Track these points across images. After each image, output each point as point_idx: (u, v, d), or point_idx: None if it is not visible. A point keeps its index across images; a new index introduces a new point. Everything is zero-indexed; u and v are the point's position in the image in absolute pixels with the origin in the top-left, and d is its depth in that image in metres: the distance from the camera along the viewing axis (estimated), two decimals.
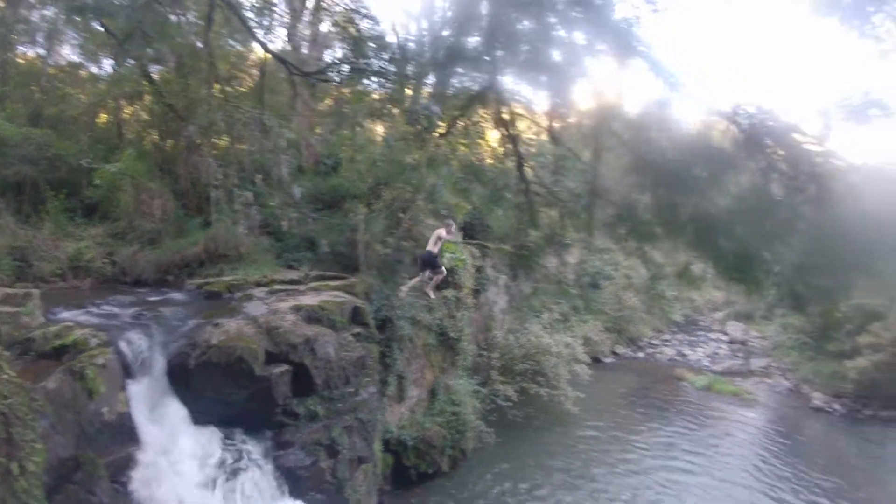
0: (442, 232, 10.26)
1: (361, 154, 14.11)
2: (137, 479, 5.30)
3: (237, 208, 10.63)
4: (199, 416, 6.32)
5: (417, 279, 11.19)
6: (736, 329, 30.86)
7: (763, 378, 25.18)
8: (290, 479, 6.98)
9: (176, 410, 6.14)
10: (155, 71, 12.29)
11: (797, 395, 22.92)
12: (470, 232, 16.54)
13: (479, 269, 16.87)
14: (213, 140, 11.79)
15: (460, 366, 15.86)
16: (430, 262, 10.25)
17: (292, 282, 10.03)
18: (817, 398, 21.60)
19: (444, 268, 11.06)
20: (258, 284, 9.37)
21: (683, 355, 28.78)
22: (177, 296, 8.65)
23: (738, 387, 23.62)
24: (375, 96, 13.22)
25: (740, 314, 31.25)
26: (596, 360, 24.24)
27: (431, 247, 10.13)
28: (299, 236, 12.02)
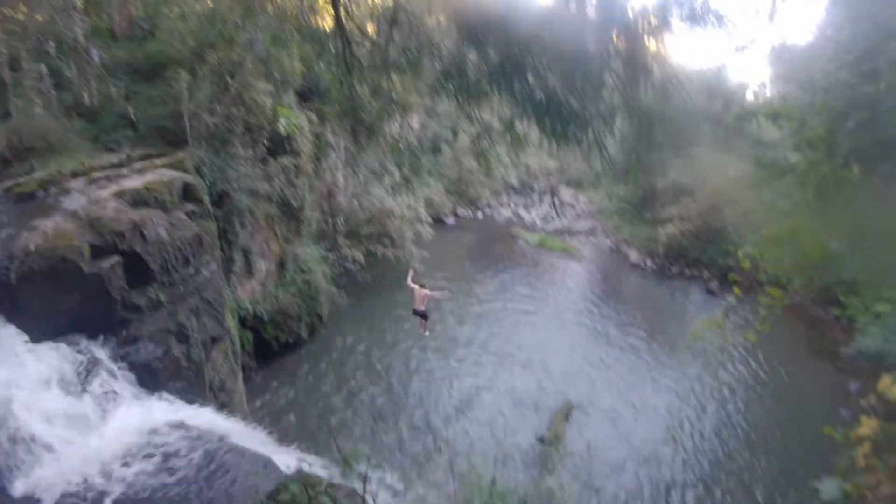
0: (421, 291, 11.32)
1: (179, 9, 12.23)
2: None
3: (28, 84, 8.85)
4: (36, 334, 5.86)
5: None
6: (567, 194, 34.21)
7: (589, 237, 29.10)
8: (146, 373, 6.84)
9: (9, 334, 5.61)
10: None
11: (617, 253, 27.06)
12: (307, 96, 15.76)
13: (317, 136, 16.41)
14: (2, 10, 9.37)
15: (306, 234, 16.06)
16: (421, 315, 11.75)
17: (113, 166, 9.07)
18: (634, 256, 25.84)
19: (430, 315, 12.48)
20: (75, 175, 8.30)
21: (519, 216, 31.77)
22: None
23: (567, 244, 27.21)
24: None
25: (571, 180, 34.22)
26: (438, 221, 25.80)
27: (418, 306, 11.43)
28: (116, 114, 10.59)
